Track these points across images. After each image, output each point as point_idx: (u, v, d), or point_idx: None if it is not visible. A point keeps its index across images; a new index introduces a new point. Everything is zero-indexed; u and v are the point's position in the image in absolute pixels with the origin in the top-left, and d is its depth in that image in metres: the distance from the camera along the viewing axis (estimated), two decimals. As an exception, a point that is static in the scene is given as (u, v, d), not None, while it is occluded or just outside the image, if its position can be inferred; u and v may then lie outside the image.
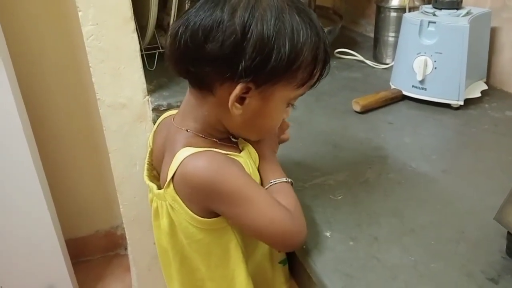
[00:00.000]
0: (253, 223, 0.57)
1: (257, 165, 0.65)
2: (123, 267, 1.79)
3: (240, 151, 0.64)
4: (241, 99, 0.57)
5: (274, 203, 0.58)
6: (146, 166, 0.72)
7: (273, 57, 0.53)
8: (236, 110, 0.57)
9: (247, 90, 0.56)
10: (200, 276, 0.67)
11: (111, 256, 1.86)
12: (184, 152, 0.57)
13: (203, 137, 0.62)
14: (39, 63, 1.51)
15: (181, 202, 0.59)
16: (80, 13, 0.96)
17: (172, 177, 0.58)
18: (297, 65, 0.55)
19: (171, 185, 0.59)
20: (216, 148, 0.60)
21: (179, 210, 0.60)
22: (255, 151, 0.65)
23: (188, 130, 0.62)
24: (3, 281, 1.54)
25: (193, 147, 0.58)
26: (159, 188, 0.64)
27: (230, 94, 0.56)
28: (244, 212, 0.57)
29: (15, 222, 1.44)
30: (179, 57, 0.58)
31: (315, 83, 0.61)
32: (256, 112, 0.59)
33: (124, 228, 1.83)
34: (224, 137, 0.64)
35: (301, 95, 0.61)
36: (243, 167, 0.60)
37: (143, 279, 1.36)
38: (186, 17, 0.56)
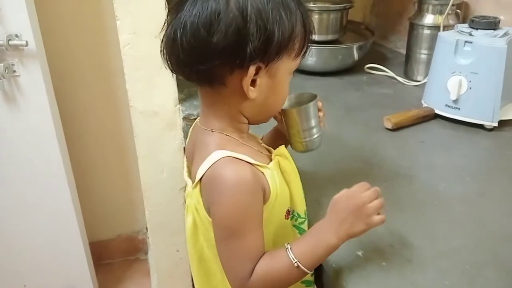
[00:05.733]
0: (220, 254, 0.59)
1: (288, 176, 0.64)
2: (143, 271, 1.80)
3: (270, 160, 0.63)
4: (252, 82, 0.58)
5: (247, 258, 0.56)
6: (185, 163, 0.73)
7: (276, 32, 0.55)
8: (252, 93, 0.58)
9: (257, 71, 0.57)
10: (215, 282, 0.67)
11: (131, 260, 1.88)
12: (218, 154, 0.57)
13: (228, 136, 0.61)
14: (73, 67, 1.54)
15: (202, 205, 0.60)
16: (118, 22, 0.98)
17: (201, 178, 0.58)
18: (294, 36, 0.57)
19: (198, 186, 0.59)
20: (248, 154, 0.59)
21: (201, 212, 0.61)
22: (289, 161, 0.65)
23: (213, 130, 0.62)
24: (26, 280, 1.56)
25: (226, 149, 0.58)
26: None
27: (241, 80, 0.57)
28: (222, 240, 0.58)
29: (42, 222, 1.47)
30: (186, 60, 0.57)
31: (306, 51, 0.62)
32: (268, 90, 0.60)
33: (145, 233, 1.86)
34: (245, 133, 0.65)
35: (298, 64, 0.63)
36: (261, 201, 0.58)
37: (164, 286, 1.36)
38: (179, 19, 0.56)
